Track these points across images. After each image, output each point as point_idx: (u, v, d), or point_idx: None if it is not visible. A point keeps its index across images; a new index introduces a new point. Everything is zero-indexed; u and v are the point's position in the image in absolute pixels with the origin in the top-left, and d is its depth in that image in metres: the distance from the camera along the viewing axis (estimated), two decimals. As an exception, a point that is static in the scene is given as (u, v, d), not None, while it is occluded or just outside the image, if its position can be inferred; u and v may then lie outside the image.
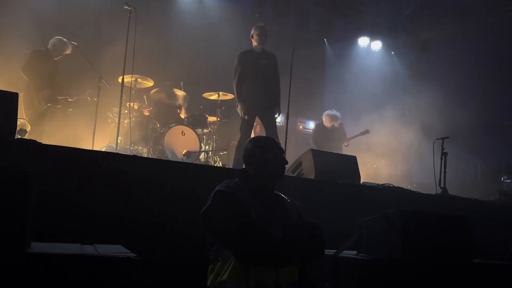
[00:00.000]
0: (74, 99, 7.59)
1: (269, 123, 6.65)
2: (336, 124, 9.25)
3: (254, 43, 6.77)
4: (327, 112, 9.41)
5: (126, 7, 6.33)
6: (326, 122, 9.29)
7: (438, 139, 6.74)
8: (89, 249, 2.41)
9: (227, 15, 9.98)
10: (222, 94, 8.36)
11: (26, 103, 7.06)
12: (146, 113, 7.88)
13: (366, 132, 9.41)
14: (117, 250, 2.44)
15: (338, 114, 9.33)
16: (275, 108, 6.71)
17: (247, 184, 3.03)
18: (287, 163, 3.21)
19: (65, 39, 7.46)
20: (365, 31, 11.36)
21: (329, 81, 11.18)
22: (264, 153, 3.10)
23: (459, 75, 9.86)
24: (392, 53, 11.62)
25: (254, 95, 6.46)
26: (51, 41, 7.40)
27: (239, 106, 6.58)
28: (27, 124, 6.78)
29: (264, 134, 6.69)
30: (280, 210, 3.04)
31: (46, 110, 7.20)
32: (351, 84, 11.05)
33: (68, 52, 7.47)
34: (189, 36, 9.42)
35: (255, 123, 6.81)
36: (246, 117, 6.54)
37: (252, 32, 6.80)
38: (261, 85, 6.50)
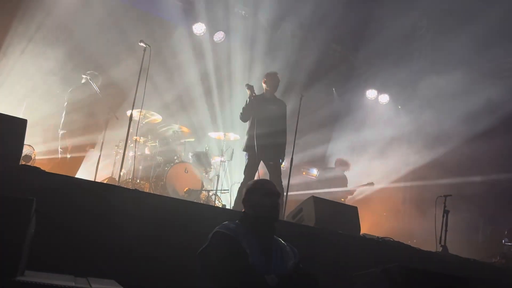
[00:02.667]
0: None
1: (273, 168, 6.61)
2: (345, 172, 9.58)
3: (266, 88, 6.82)
4: (341, 158, 9.81)
5: (141, 44, 6.46)
6: (337, 166, 9.57)
7: (440, 196, 6.70)
8: (82, 282, 2.37)
9: (238, 58, 10.16)
10: (227, 134, 8.40)
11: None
12: (151, 148, 7.90)
13: (371, 184, 9.62)
14: (111, 285, 2.41)
15: (350, 163, 9.75)
16: (280, 154, 6.68)
17: (247, 227, 3.00)
18: (279, 206, 3.19)
19: (95, 72, 7.64)
20: (374, 84, 11.50)
21: (335, 130, 11.23)
22: (258, 196, 3.10)
23: (465, 133, 9.89)
24: (399, 107, 11.69)
25: (261, 139, 6.46)
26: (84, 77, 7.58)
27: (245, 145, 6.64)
28: (33, 150, 6.81)
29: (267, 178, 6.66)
30: (278, 257, 3.00)
31: None
32: (357, 135, 11.11)
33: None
34: (199, 76, 9.56)
35: (259, 167, 6.78)
36: (250, 160, 6.54)
37: (265, 78, 6.86)
38: (269, 130, 6.51)
